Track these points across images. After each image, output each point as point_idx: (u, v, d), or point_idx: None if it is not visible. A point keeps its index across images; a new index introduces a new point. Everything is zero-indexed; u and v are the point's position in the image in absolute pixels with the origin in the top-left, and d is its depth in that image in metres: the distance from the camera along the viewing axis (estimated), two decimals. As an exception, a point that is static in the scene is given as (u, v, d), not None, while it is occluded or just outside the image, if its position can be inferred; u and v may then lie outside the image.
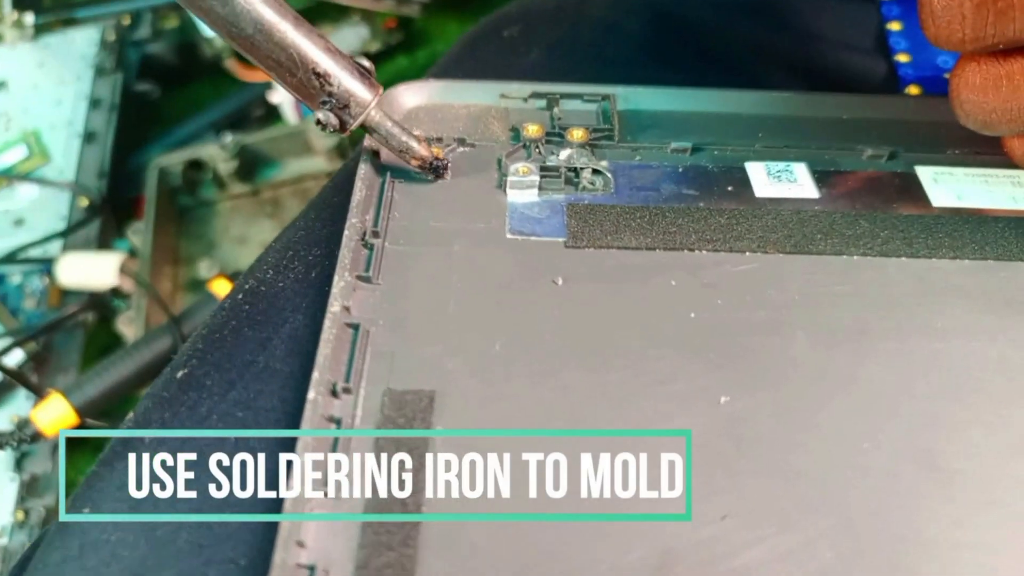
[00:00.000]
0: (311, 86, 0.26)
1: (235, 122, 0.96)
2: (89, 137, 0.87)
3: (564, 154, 0.31)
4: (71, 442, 0.72)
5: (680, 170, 0.31)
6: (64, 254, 0.76)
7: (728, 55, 0.40)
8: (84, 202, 0.82)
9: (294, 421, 0.24)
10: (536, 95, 0.33)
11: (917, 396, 0.24)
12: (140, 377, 0.67)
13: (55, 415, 0.65)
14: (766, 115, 0.33)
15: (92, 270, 0.76)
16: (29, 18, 0.96)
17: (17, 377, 0.68)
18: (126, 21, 0.97)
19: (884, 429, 0.24)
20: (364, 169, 0.29)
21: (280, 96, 0.93)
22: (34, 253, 0.78)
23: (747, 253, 0.28)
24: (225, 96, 0.98)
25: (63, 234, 0.79)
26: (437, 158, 0.29)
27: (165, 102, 0.98)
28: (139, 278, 0.75)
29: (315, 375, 0.23)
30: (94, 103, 0.90)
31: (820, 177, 0.31)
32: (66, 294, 0.77)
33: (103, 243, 0.81)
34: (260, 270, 0.30)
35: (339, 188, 0.33)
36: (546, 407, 0.24)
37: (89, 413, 0.66)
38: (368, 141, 0.30)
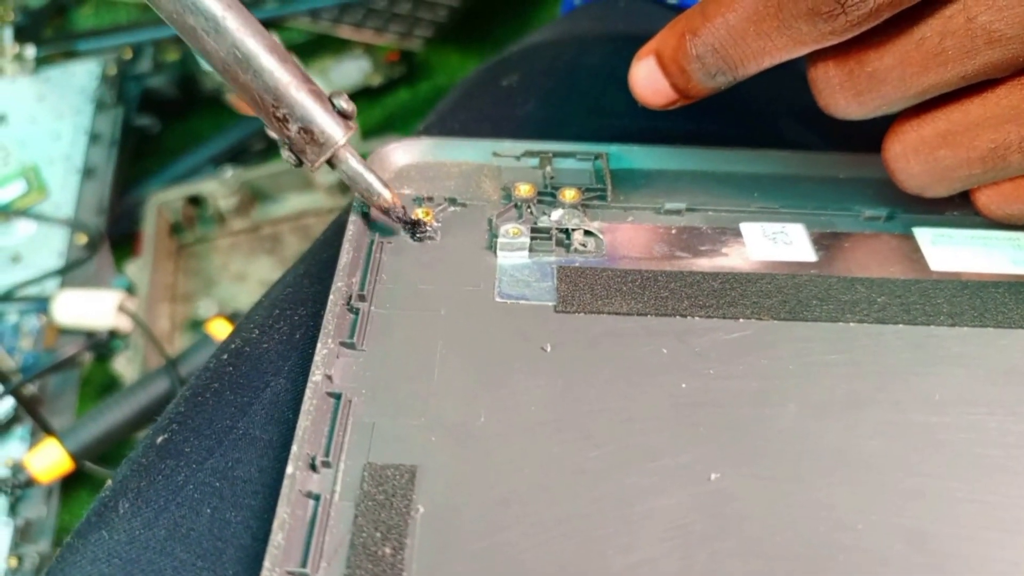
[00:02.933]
0: (272, 126, 0.26)
1: (235, 156, 0.96)
2: (88, 172, 0.87)
3: (556, 215, 0.30)
4: (67, 485, 0.72)
5: (673, 231, 0.30)
6: (60, 292, 0.76)
7: (729, 102, 0.40)
8: (82, 239, 0.82)
9: (272, 493, 0.23)
10: (529, 153, 0.33)
11: (912, 472, 0.24)
12: (137, 421, 0.67)
13: (50, 461, 0.64)
14: (761, 174, 0.33)
15: (89, 309, 0.76)
16: (30, 51, 0.97)
17: (31, 412, 0.67)
18: (127, 55, 0.97)
19: (876, 508, 0.23)
20: (352, 230, 0.29)
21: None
22: (31, 291, 0.78)
23: (740, 320, 0.27)
24: (225, 130, 0.98)
25: (61, 272, 0.79)
26: (400, 209, 0.29)
27: (165, 136, 0.99)
28: (137, 318, 0.74)
29: (294, 448, 0.22)
30: (94, 137, 0.90)
31: (817, 239, 0.30)
32: (62, 333, 0.77)
33: (101, 281, 0.80)
34: (247, 328, 0.29)
35: (329, 243, 0.33)
36: (528, 485, 0.23)
37: (85, 457, 0.66)
38: (356, 203, 0.29)
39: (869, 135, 0.30)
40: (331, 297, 0.26)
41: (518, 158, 0.33)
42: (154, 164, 0.96)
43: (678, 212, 0.31)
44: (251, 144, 0.99)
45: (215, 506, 0.23)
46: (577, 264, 0.29)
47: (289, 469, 0.22)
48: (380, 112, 1.02)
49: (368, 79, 1.03)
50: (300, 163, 0.27)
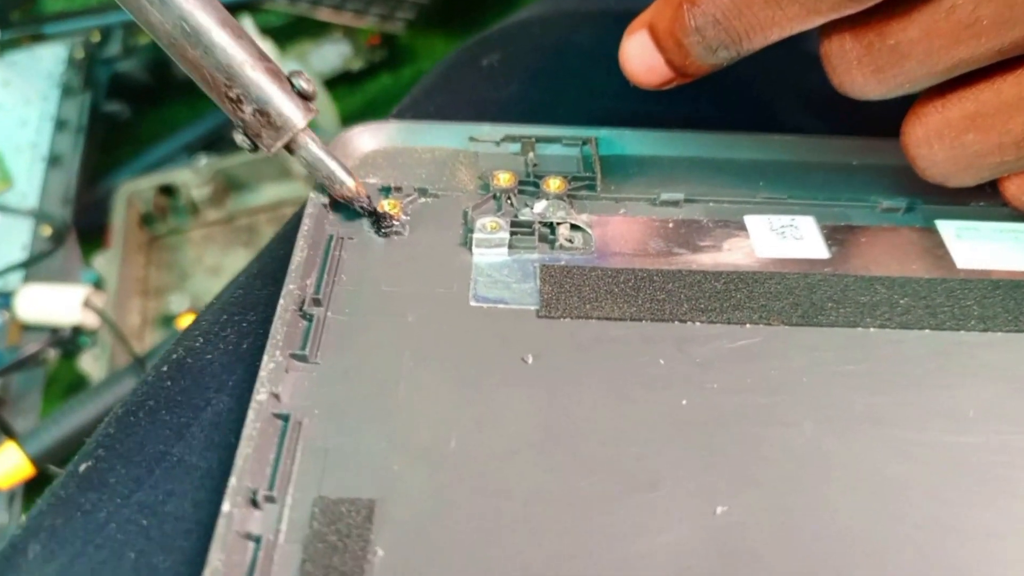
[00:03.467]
0: (224, 107, 0.24)
1: (210, 145, 0.93)
2: (54, 161, 0.84)
3: (539, 207, 0.27)
4: (30, 490, 0.69)
5: (671, 225, 0.27)
6: (24, 286, 0.73)
7: (729, 83, 0.37)
8: (47, 230, 0.78)
9: (207, 531, 0.20)
10: (509, 138, 0.29)
11: (940, 498, 0.21)
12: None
13: (9, 466, 0.61)
14: (766, 161, 0.29)
15: (54, 304, 0.72)
16: (-5, 35, 0.93)
17: None
18: (96, 38, 0.94)
19: (903, 540, 0.20)
20: (308, 223, 0.25)
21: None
22: (-7, 285, 0.74)
23: (747, 325, 0.24)
24: (200, 117, 0.94)
25: (24, 265, 0.76)
26: (364, 198, 0.26)
27: (136, 123, 0.95)
28: (103, 314, 0.71)
29: (232, 481, 0.19)
30: (60, 124, 0.86)
31: (829, 233, 0.27)
32: (27, 329, 0.73)
33: (67, 275, 0.77)
34: (191, 336, 0.26)
35: (286, 238, 0.30)
36: (508, 520, 0.20)
37: (48, 461, 0.63)
38: (314, 194, 0.26)
39: (882, 120, 0.27)
40: (281, 302, 0.23)
41: (497, 143, 0.30)
42: (124, 153, 0.92)
43: (675, 203, 0.28)
44: (227, 132, 0.95)
45: (140, 549, 0.20)
46: (563, 263, 0.26)
47: (225, 506, 0.19)
48: (360, 98, 0.99)
49: (348, 63, 0.99)
50: (255, 148, 0.25)
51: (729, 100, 0.36)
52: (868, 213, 0.28)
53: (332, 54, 0.99)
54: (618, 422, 0.22)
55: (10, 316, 0.73)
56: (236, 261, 0.84)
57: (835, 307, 0.25)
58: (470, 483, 0.20)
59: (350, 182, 0.25)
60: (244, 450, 0.20)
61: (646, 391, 0.22)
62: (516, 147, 0.29)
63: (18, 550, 0.21)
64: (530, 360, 0.23)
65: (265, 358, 0.22)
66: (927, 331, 0.24)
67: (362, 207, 0.26)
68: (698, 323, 0.24)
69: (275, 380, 0.21)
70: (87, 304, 0.72)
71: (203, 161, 0.85)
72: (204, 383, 0.24)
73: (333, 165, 0.25)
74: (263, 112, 0.23)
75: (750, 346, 0.24)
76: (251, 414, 0.20)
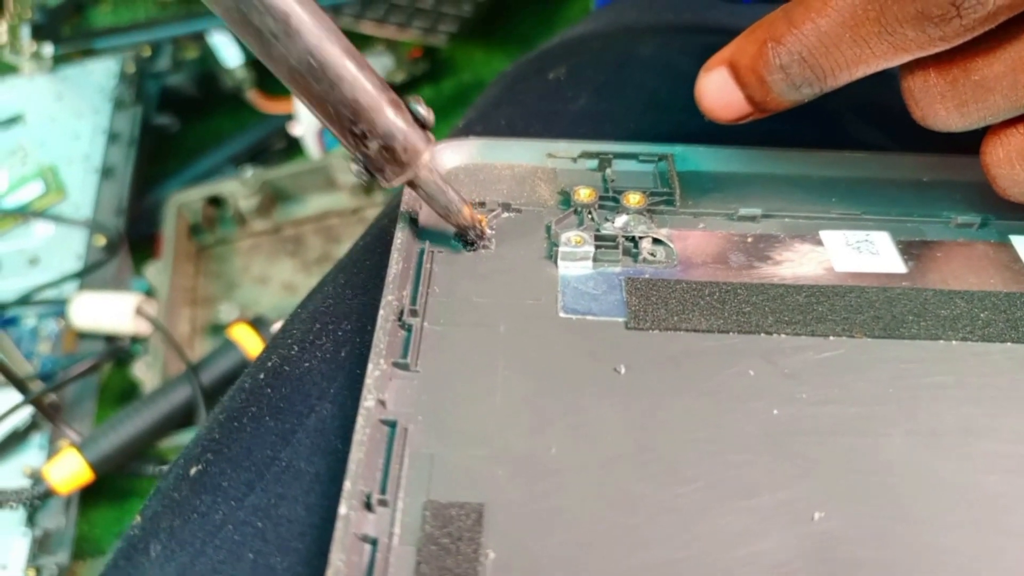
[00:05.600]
0: (346, 141, 0.23)
1: (255, 156, 0.94)
2: (107, 172, 0.85)
3: (620, 221, 0.28)
4: (86, 495, 0.70)
5: (749, 240, 0.28)
6: (78, 293, 0.74)
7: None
8: (101, 240, 0.80)
9: (321, 534, 0.21)
10: (586, 155, 0.30)
11: None
12: (157, 429, 0.65)
13: (69, 472, 0.62)
14: (839, 178, 0.30)
15: (107, 312, 0.73)
16: (48, 49, 0.95)
17: (51, 421, 0.65)
18: (146, 52, 0.95)
19: (1004, 552, 0.20)
20: (401, 238, 0.26)
21: (302, 129, 0.91)
22: (49, 294, 0.76)
23: (831, 337, 0.25)
24: (245, 128, 0.96)
25: (79, 274, 0.77)
26: (478, 224, 0.26)
27: (184, 135, 0.97)
28: (156, 322, 0.72)
29: (347, 485, 0.20)
30: (112, 137, 0.88)
31: (905, 248, 0.28)
32: (82, 337, 0.75)
33: (120, 284, 0.78)
34: (284, 344, 0.27)
35: (371, 249, 0.30)
36: (612, 525, 0.20)
37: (105, 467, 0.64)
38: (406, 203, 0.27)
39: (949, 136, 0.28)
40: (381, 312, 0.24)
41: (575, 160, 0.30)
42: (173, 164, 0.94)
43: (753, 218, 0.28)
44: (272, 143, 0.97)
45: (258, 550, 0.21)
46: (647, 276, 0.26)
47: (342, 509, 0.20)
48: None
49: (391, 76, 1.01)
50: (372, 180, 0.24)
51: (797, 114, 0.37)
52: (942, 228, 0.28)
53: (375, 67, 1.00)
54: (712, 431, 0.22)
55: (66, 324, 0.74)
56: (282, 271, 0.86)
57: (916, 320, 0.25)
58: (572, 490, 0.21)
59: (467, 211, 0.26)
60: (356, 455, 0.21)
61: (738, 401, 0.23)
62: (593, 163, 0.30)
63: (139, 549, 0.22)
64: (623, 370, 0.24)
65: (370, 366, 0.23)
66: (1010, 344, 0.25)
67: (476, 235, 0.26)
68: (783, 335, 0.25)
69: (380, 387, 0.22)
70: (139, 312, 0.73)
71: (249, 172, 0.86)
72: (305, 390, 0.25)
73: (452, 195, 0.25)
74: (389, 148, 0.23)
75: (836, 357, 0.24)
76: (360, 420, 0.21)
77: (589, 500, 0.21)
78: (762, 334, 0.25)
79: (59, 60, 0.96)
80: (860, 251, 0.28)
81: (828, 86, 0.24)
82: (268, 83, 0.95)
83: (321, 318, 0.27)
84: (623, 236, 0.27)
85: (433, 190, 0.25)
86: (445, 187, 0.25)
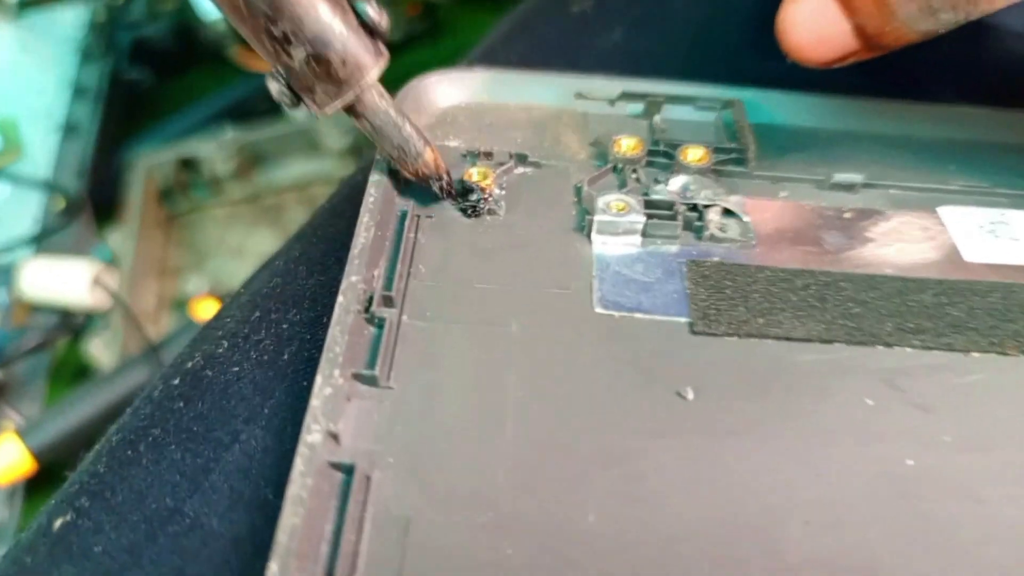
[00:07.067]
0: (264, 48, 0.17)
1: (235, 117, 0.86)
2: (70, 129, 0.77)
3: (676, 183, 0.20)
4: (32, 486, 0.63)
5: (847, 215, 0.21)
6: (29, 260, 0.66)
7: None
8: (61, 204, 0.72)
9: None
10: (628, 96, 0.23)
11: None
12: (111, 416, 0.57)
13: (8, 461, 0.55)
14: (959, 139, 0.23)
15: (61, 281, 0.66)
16: (12, -6, 0.87)
17: None
18: (118, 0, 0.87)
19: None
20: (375, 195, 0.19)
21: (287, 90, 0.83)
22: (0, 261, 0.68)
23: (974, 353, 0.17)
24: (225, 87, 0.88)
25: (34, 239, 0.70)
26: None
27: (158, 92, 0.89)
28: (115, 295, 0.65)
29: (272, 568, 0.13)
30: (78, 91, 0.80)
31: (1061, 232, 0.20)
32: (34, 310, 0.68)
33: (80, 251, 0.71)
34: (212, 338, 0.20)
35: (339, 212, 0.23)
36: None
37: (49, 457, 0.57)
38: (380, 156, 0.20)
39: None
40: (339, 299, 0.17)
41: (612, 102, 0.23)
42: (145, 124, 0.86)
43: (850, 187, 0.21)
44: (254, 105, 0.89)
45: None
46: (716, 259, 0.19)
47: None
48: (396, 71, 0.92)
49: (385, 36, 0.93)
50: (297, 103, 0.18)
51: (876, 69, 0.29)
52: (1106, 207, 0.21)
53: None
54: (824, 491, 0.15)
55: (15, 295, 0.67)
56: (261, 243, 0.78)
57: (1093, 332, 0.18)
58: (618, 578, 0.14)
59: (430, 155, 0.19)
60: (289, 519, 0.13)
61: (855, 444, 0.16)
62: (637, 108, 0.23)
63: None
64: (689, 395, 0.16)
65: (319, 379, 0.15)
66: None
67: (441, 188, 0.19)
68: (908, 348, 0.18)
69: (332, 413, 0.15)
70: (97, 282, 0.66)
71: (228, 134, 0.78)
72: (230, 408, 0.17)
73: (409, 131, 0.19)
74: (320, 58, 0.17)
75: (985, 383, 0.17)
76: (299, 463, 0.14)
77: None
78: (879, 346, 0.18)
79: (24, 6, 0.88)
80: (996, 235, 0.20)
81: (976, 11, 0.17)
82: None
83: (262, 303, 0.20)
84: (682, 203, 0.20)
85: (382, 121, 0.18)
86: (400, 119, 0.18)
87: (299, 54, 0.17)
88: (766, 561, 0.14)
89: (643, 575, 0.14)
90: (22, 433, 0.57)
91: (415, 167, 0.19)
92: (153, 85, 0.88)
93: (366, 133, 0.19)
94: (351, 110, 0.18)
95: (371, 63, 0.17)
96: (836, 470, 0.15)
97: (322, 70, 0.17)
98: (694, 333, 0.17)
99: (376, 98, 0.18)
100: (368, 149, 0.20)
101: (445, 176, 0.19)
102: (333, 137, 0.79)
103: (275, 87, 0.17)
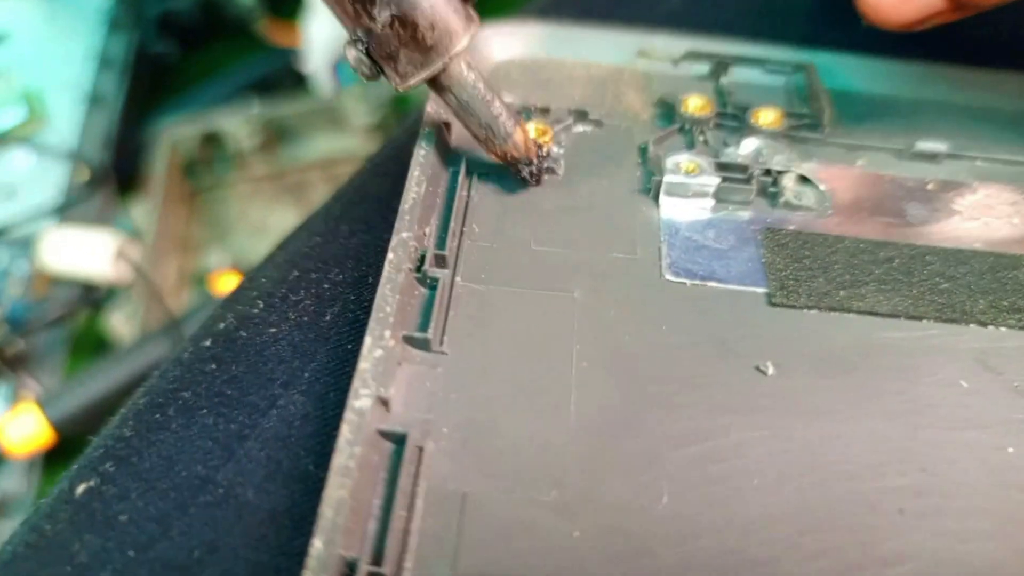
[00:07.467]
0: (344, 14, 0.15)
1: (261, 91, 0.85)
2: (96, 100, 0.77)
3: (748, 146, 0.19)
4: (51, 458, 0.62)
5: (929, 186, 0.19)
6: (52, 229, 0.66)
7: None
8: (85, 174, 0.71)
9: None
10: (694, 55, 0.21)
11: None
12: (131, 390, 0.57)
13: (28, 431, 0.55)
14: None
15: (84, 252, 0.65)
16: (41, -36, 0.86)
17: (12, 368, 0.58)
18: (146, -28, 0.86)
19: None
20: (426, 150, 0.17)
21: (313, 65, 0.82)
22: (24, 231, 0.68)
23: (1077, 334, 0.16)
24: (251, 61, 0.87)
25: (58, 210, 0.69)
26: (538, 146, 0.18)
27: (183, 65, 0.88)
28: (139, 268, 0.64)
29: (315, 545, 0.12)
30: (104, 63, 0.80)
31: None
32: (55, 282, 0.67)
33: (103, 223, 0.70)
34: (246, 298, 0.18)
35: (382, 172, 0.22)
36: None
37: (69, 429, 0.56)
38: (432, 106, 0.18)
39: None
40: (390, 256, 0.15)
41: (675, 62, 0.22)
42: (170, 96, 0.85)
43: (933, 157, 0.20)
44: (279, 81, 0.87)
45: None
46: (793, 228, 0.18)
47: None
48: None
49: None
50: (376, 74, 0.16)
51: (955, 33, 0.28)
52: None
53: None
54: (913, 478, 0.14)
55: (37, 267, 0.66)
56: (283, 220, 0.77)
57: None
58: (698, 564, 0.13)
59: (521, 136, 0.17)
60: (335, 491, 0.12)
61: (948, 429, 0.14)
62: (703, 68, 0.21)
63: None
64: (770, 371, 0.15)
65: (367, 340, 0.14)
66: None
67: (531, 174, 0.18)
68: (1004, 328, 0.16)
69: (383, 377, 0.14)
70: (120, 255, 0.65)
71: (253, 109, 0.77)
72: (266, 371, 0.16)
73: (498, 108, 0.17)
74: (406, 20, 0.15)
75: (1090, 367, 0.16)
76: (345, 430, 0.13)
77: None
78: (972, 324, 0.16)
79: (52, -25, 0.87)
80: (1094, 212, 0.19)
81: None
82: (280, 10, 0.86)
83: (301, 263, 0.18)
84: (758, 168, 0.18)
85: (470, 96, 0.16)
86: (489, 94, 0.17)
87: (383, 15, 0.15)
88: (857, 553, 0.13)
89: (720, 564, 0.13)
90: (42, 403, 0.57)
91: (503, 149, 0.17)
92: (179, 58, 0.87)
93: (452, 110, 0.17)
94: (435, 83, 0.16)
95: (461, 29, 0.16)
96: (930, 456, 0.14)
97: (407, 34, 0.15)
98: (772, 304, 0.16)
99: (465, 70, 0.16)
100: (395, 127, 0.18)
101: (535, 161, 0.18)
102: (359, 114, 0.77)
103: (353, 55, 0.16)
